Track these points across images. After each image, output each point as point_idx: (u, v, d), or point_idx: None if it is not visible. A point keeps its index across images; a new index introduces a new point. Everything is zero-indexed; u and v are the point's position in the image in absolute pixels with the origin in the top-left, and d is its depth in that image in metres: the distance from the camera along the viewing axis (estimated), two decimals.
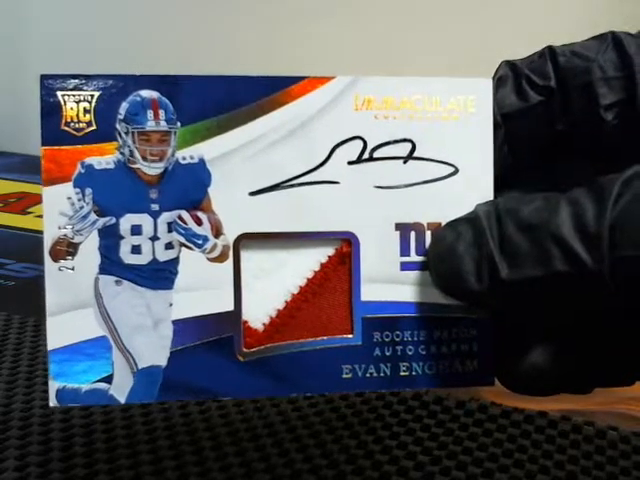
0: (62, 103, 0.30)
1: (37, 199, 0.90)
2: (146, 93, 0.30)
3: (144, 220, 0.30)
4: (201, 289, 0.31)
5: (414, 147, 0.31)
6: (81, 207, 0.30)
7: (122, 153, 0.30)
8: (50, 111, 0.30)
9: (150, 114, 0.30)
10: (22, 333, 0.56)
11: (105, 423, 0.45)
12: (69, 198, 0.30)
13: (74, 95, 0.30)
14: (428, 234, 0.31)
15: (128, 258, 0.30)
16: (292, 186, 0.31)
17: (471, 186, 0.32)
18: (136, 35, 1.19)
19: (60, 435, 0.43)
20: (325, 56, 1.08)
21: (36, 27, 1.26)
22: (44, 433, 0.43)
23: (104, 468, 0.40)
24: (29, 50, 1.25)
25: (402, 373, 0.32)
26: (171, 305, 0.31)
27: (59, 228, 0.30)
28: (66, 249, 0.30)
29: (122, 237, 0.30)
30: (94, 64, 1.16)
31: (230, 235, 0.31)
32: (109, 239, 0.30)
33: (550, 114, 0.32)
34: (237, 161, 0.31)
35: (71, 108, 0.30)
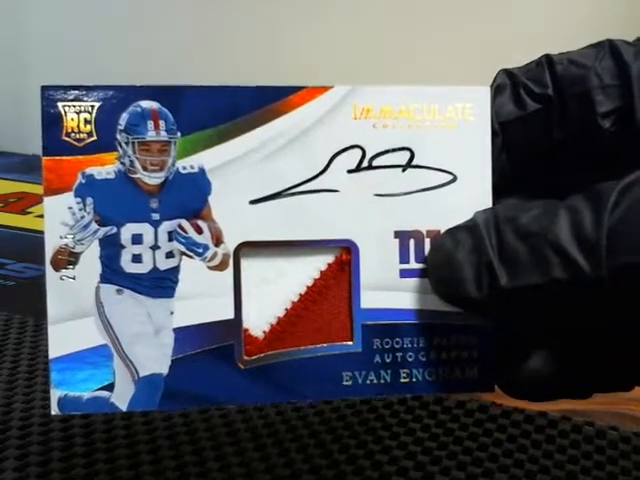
0: (63, 114, 0.30)
1: (37, 199, 0.91)
2: (146, 104, 0.30)
3: (145, 229, 0.30)
4: (202, 297, 0.31)
5: (413, 155, 0.31)
6: (82, 217, 0.30)
7: (123, 163, 0.30)
8: (51, 122, 0.30)
9: (150, 124, 0.30)
10: (22, 333, 0.56)
11: (105, 423, 0.45)
12: (70, 208, 0.30)
13: (75, 106, 0.30)
14: (427, 242, 0.32)
15: (129, 267, 0.30)
16: (292, 195, 0.31)
17: (470, 194, 0.32)
18: (136, 35, 1.19)
19: (60, 435, 0.43)
20: (326, 58, 1.08)
21: (36, 28, 1.25)
22: (44, 433, 0.44)
23: (104, 468, 0.40)
24: (29, 51, 1.25)
25: (402, 380, 0.32)
26: (172, 313, 0.31)
27: (60, 238, 0.30)
28: (67, 258, 0.30)
29: (123, 246, 0.30)
30: (94, 65, 1.16)
31: (230, 244, 0.31)
32: (110, 248, 0.30)
33: (548, 122, 0.32)
34: (237, 170, 0.31)
35: (72, 119, 0.30)
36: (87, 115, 0.30)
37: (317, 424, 0.45)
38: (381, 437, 0.44)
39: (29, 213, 0.84)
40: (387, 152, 0.31)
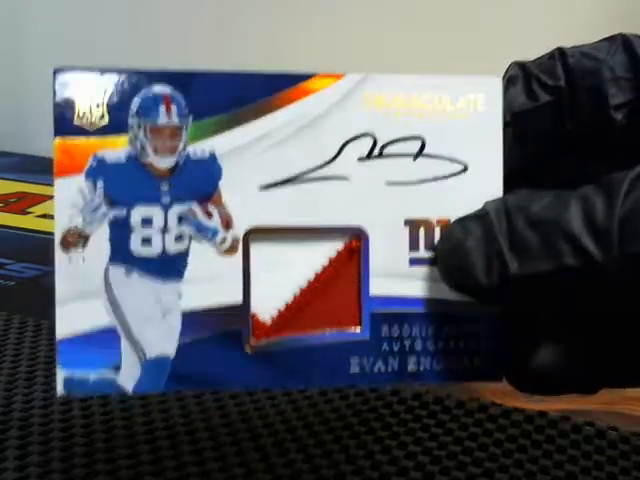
0: (75, 97, 0.30)
1: (37, 199, 0.90)
2: (158, 88, 0.30)
3: (155, 212, 0.30)
4: (210, 282, 0.31)
5: (424, 144, 0.32)
6: (92, 199, 0.30)
7: (134, 146, 0.30)
8: (63, 104, 0.30)
9: (162, 108, 0.30)
10: (22, 333, 0.56)
11: (105, 423, 0.45)
12: (80, 190, 0.30)
13: (87, 89, 0.30)
14: (437, 230, 0.32)
15: (138, 249, 0.30)
16: (302, 181, 0.31)
17: (480, 184, 0.32)
18: (137, 34, 1.19)
19: (60, 435, 0.43)
20: (333, 51, 1.08)
21: (35, 27, 1.25)
22: (44, 433, 0.43)
23: (104, 468, 0.40)
24: (29, 50, 1.25)
25: (410, 368, 0.32)
26: (180, 296, 0.31)
27: (70, 219, 0.30)
28: (76, 240, 0.30)
29: (133, 229, 0.30)
30: (93, 62, 1.16)
31: (240, 229, 0.31)
32: (119, 231, 0.30)
33: (559, 114, 0.32)
34: (247, 156, 0.31)
35: (84, 102, 0.30)
36: (99, 98, 0.30)
37: (317, 424, 0.45)
38: (381, 437, 0.44)
39: (29, 213, 0.84)
40: (398, 141, 0.32)
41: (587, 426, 0.46)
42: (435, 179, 0.32)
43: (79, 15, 1.21)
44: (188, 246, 0.31)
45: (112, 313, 0.30)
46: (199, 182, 0.31)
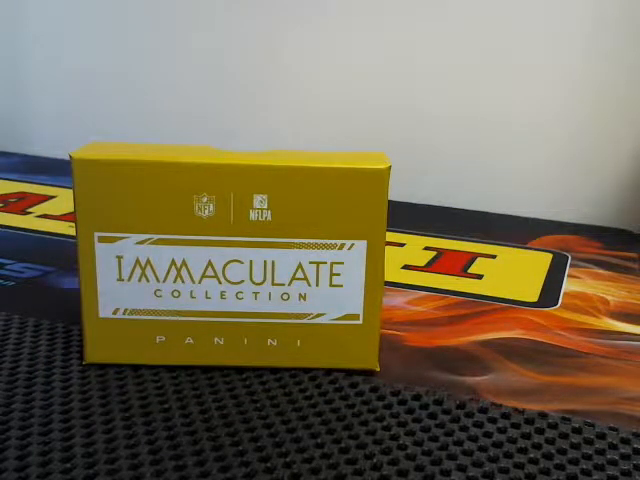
0: None
1: (37, 199, 0.91)
2: None
3: None
4: None
5: None
6: None
7: None
8: None
9: None
10: (22, 333, 0.56)
11: (105, 423, 0.45)
12: None
13: None
14: None
15: None
16: None
17: None
18: (135, 33, 1.19)
19: (60, 436, 0.43)
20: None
21: (35, 27, 1.25)
22: (44, 433, 0.43)
23: (104, 469, 0.40)
24: (28, 51, 1.25)
25: None
26: None
27: None
28: None
29: None
30: (93, 64, 1.16)
31: None
32: None
33: None
34: None
35: None
36: None
37: (318, 424, 0.45)
38: (382, 438, 0.44)
39: (29, 213, 0.83)
40: None
41: (587, 427, 0.46)
42: None
43: (79, 15, 1.21)
44: None
45: None
46: None
